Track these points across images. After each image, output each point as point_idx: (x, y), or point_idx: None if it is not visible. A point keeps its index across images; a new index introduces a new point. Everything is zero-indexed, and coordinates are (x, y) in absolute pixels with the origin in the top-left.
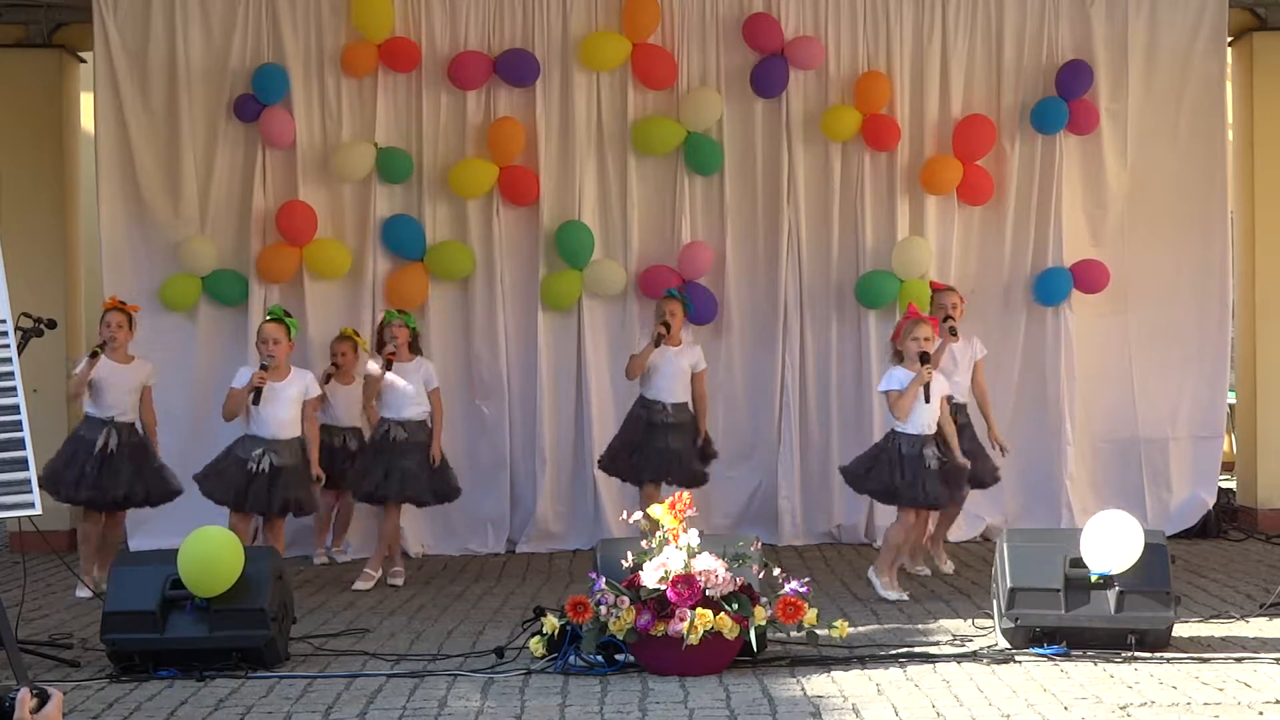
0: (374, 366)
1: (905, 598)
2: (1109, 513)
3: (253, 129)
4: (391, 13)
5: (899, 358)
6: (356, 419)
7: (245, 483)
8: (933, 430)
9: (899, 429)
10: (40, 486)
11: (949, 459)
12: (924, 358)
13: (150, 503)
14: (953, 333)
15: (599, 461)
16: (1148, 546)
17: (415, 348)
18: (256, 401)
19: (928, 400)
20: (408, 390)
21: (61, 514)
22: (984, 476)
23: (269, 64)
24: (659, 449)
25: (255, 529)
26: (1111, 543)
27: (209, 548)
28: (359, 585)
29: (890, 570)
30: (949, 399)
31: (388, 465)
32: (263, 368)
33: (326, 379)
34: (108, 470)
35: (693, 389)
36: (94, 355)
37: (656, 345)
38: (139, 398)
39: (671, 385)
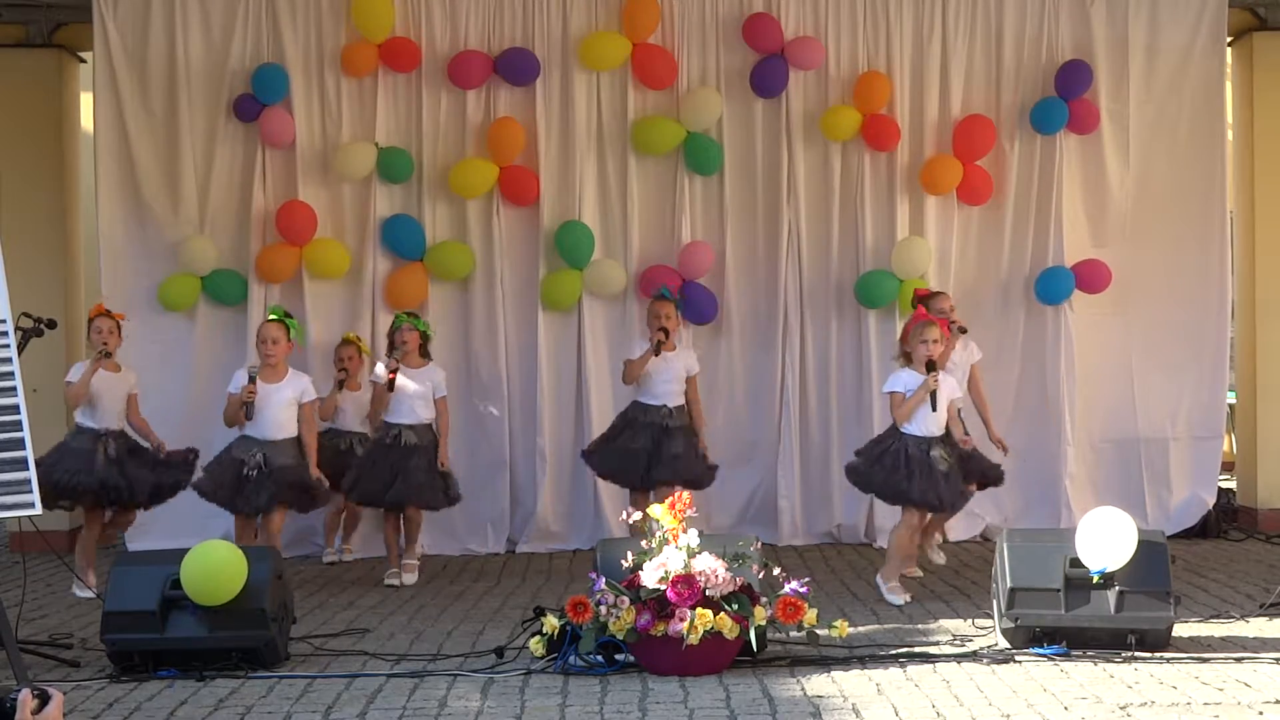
0: (381, 372)
1: (909, 600)
2: (1102, 510)
3: (252, 129)
4: (391, 13)
5: (906, 359)
6: (362, 424)
7: (240, 483)
8: (940, 432)
9: (905, 430)
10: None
11: (952, 461)
12: (930, 365)
13: (160, 498)
14: (962, 331)
15: (583, 453)
16: (1148, 546)
17: (425, 352)
18: (250, 416)
19: (934, 409)
20: (416, 395)
21: (61, 514)
22: (990, 474)
23: (269, 64)
24: (668, 454)
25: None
26: (1106, 540)
27: (213, 561)
28: (391, 581)
29: (897, 574)
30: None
31: (398, 470)
32: (251, 380)
33: (339, 386)
34: (115, 474)
35: (688, 394)
36: (105, 355)
37: (657, 354)
38: (125, 406)
39: (670, 389)
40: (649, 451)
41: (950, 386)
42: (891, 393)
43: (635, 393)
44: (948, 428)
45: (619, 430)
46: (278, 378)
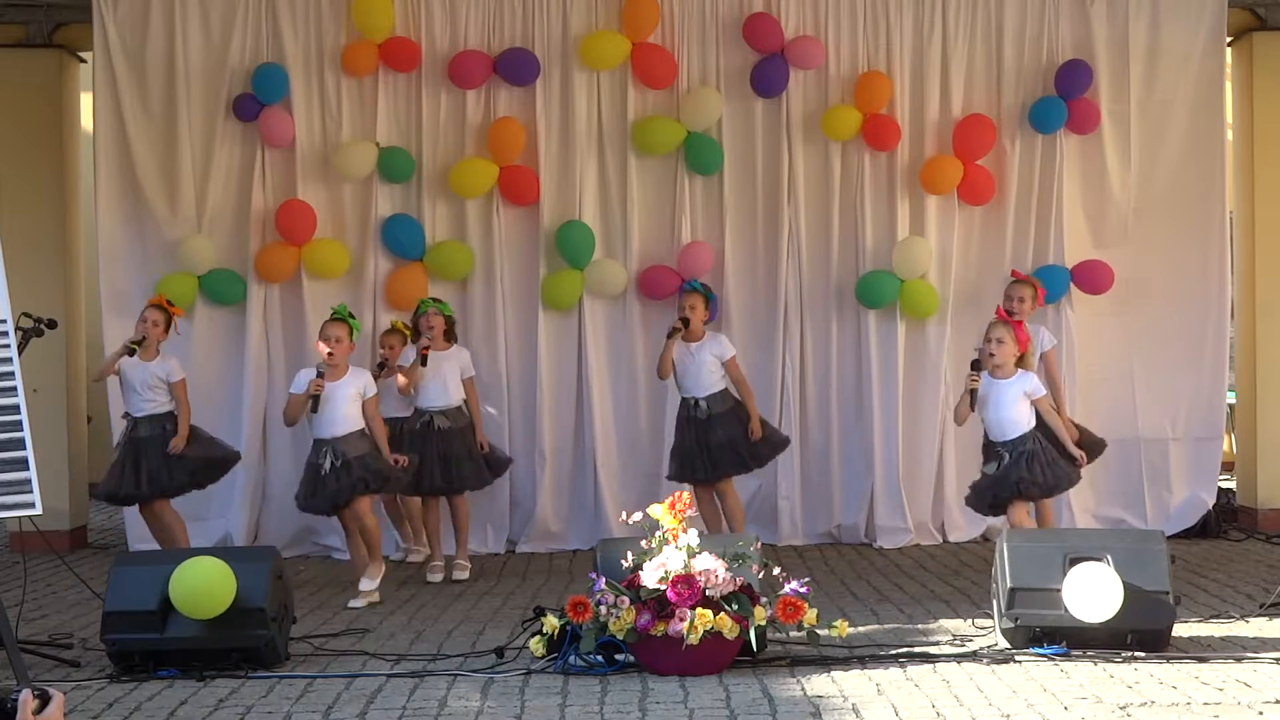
0: (410, 357)
1: None
2: (1087, 566)
3: (251, 128)
4: (391, 12)
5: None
6: (407, 407)
7: (329, 487)
8: (1018, 432)
9: (989, 439)
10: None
11: (1030, 452)
12: (975, 365)
13: (173, 491)
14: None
15: (669, 475)
16: (1148, 547)
17: (451, 335)
18: (315, 409)
19: (972, 408)
20: (446, 377)
21: (61, 514)
22: (1093, 448)
23: (269, 64)
24: (713, 445)
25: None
26: (1093, 596)
27: (201, 579)
28: (434, 577)
29: None
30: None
31: (441, 457)
32: (319, 375)
33: (376, 374)
34: (129, 465)
35: (731, 377)
36: (130, 351)
37: (670, 338)
38: (166, 393)
39: (699, 380)
40: (694, 449)
41: (1030, 384)
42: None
43: (677, 390)
44: (1041, 423)
45: (676, 432)
46: (339, 375)
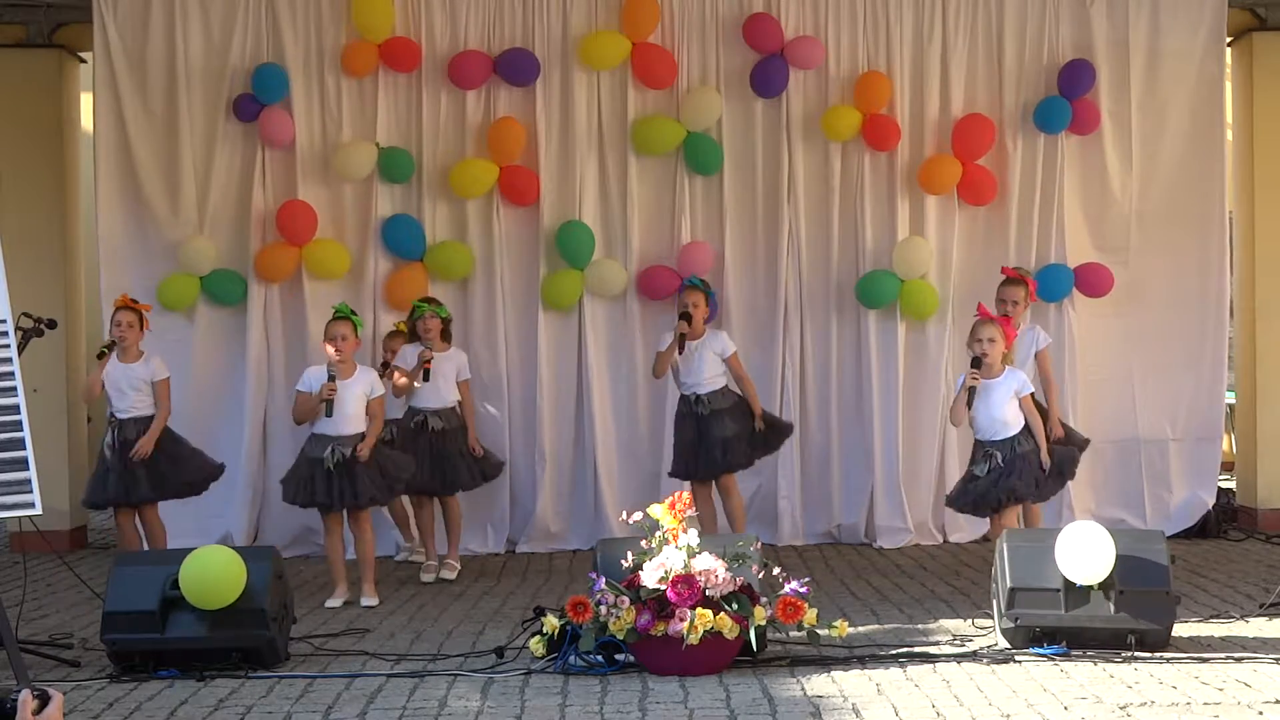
0: (412, 360)
1: None
2: (1079, 524)
3: (252, 129)
4: (391, 13)
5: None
6: (400, 408)
7: (326, 482)
8: (1009, 433)
9: (978, 438)
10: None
11: (1014, 457)
12: (975, 362)
13: (166, 495)
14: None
15: (670, 473)
16: (1148, 547)
17: (447, 335)
18: (330, 414)
19: (969, 406)
20: (441, 379)
21: (62, 514)
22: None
23: (269, 64)
24: (714, 441)
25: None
26: (1085, 555)
27: (212, 566)
28: (427, 577)
29: None
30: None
31: (434, 457)
32: (330, 377)
33: (381, 374)
34: (115, 468)
35: (732, 373)
36: (100, 355)
37: (681, 347)
38: (151, 394)
39: (700, 377)
40: (694, 445)
41: (1019, 381)
42: (956, 395)
43: (677, 387)
44: (1027, 423)
45: (676, 430)
46: (348, 374)
